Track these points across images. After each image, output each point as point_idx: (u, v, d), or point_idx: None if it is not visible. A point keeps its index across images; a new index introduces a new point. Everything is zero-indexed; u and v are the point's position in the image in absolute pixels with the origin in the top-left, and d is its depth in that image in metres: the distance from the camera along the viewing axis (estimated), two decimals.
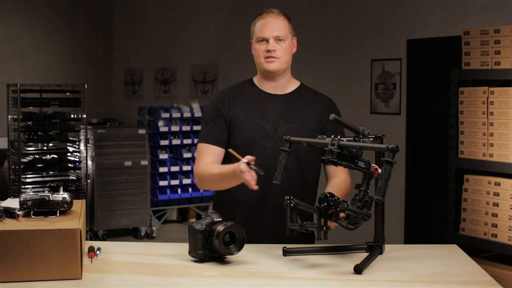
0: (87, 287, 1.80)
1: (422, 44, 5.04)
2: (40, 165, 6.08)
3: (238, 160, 2.22)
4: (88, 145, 6.21)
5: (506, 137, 3.45)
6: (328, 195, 1.94)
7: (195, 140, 6.55)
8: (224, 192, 2.44)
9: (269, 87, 2.47)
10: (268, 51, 2.38)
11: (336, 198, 1.95)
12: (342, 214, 2.01)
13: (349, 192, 2.41)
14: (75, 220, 1.95)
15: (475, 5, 4.62)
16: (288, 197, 2.02)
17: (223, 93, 2.50)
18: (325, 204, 1.94)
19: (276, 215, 2.35)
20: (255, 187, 2.11)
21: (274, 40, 2.39)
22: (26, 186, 5.92)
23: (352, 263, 1.96)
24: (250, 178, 2.11)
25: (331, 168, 2.47)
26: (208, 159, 2.41)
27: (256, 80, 2.52)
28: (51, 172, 6.26)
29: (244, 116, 2.42)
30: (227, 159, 2.43)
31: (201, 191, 6.92)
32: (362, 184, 1.99)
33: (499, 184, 3.48)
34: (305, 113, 2.46)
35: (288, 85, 2.50)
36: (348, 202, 1.97)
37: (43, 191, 2.03)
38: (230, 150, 2.30)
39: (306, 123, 2.44)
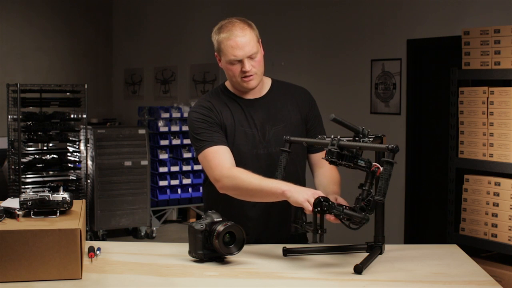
0: (87, 287, 1.80)
1: (422, 44, 5.04)
2: (40, 165, 6.08)
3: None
4: (88, 145, 6.20)
5: (506, 137, 3.45)
6: (322, 200, 1.94)
7: None
8: (219, 195, 2.33)
9: (247, 94, 2.41)
10: (245, 71, 2.29)
11: (330, 202, 1.94)
12: (331, 218, 1.99)
13: (339, 179, 2.41)
14: (75, 220, 1.94)
15: (475, 5, 4.62)
16: None
17: (210, 103, 2.38)
18: (319, 208, 1.93)
19: (282, 218, 2.35)
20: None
21: (248, 59, 2.28)
22: (26, 186, 5.92)
23: (352, 263, 1.96)
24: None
25: (316, 158, 2.45)
26: (228, 161, 2.25)
27: (230, 86, 2.43)
28: (51, 172, 6.26)
29: (233, 125, 2.35)
30: None
31: (201, 190, 6.92)
32: (365, 184, 1.99)
33: (499, 184, 3.48)
34: (287, 110, 2.42)
35: (263, 86, 2.44)
36: (344, 206, 1.97)
37: (43, 191, 2.03)
38: None
39: (290, 121, 2.41)
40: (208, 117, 2.34)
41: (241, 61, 2.29)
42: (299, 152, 2.40)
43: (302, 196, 2.02)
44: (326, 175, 2.41)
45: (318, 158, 2.44)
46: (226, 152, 2.29)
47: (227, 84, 2.45)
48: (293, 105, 2.44)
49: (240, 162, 2.30)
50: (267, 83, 2.47)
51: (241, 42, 2.27)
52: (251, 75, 2.30)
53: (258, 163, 2.33)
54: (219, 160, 2.26)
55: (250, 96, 2.41)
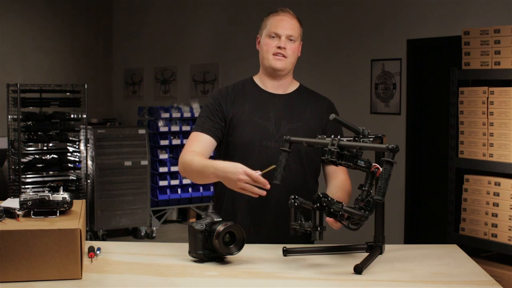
0: (87, 287, 1.80)
1: (422, 44, 5.04)
2: (40, 165, 6.08)
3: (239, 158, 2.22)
4: (88, 145, 6.20)
5: (506, 137, 3.45)
6: (322, 196, 1.93)
7: None
8: (225, 192, 2.40)
9: (271, 87, 2.47)
10: (279, 47, 2.39)
11: (329, 198, 1.94)
12: (330, 220, 2.01)
13: (351, 192, 2.42)
14: (75, 220, 1.94)
15: (475, 5, 4.62)
16: (293, 196, 2.01)
17: (226, 91, 2.48)
18: (318, 205, 1.93)
19: (279, 216, 2.35)
20: (258, 195, 2.09)
21: (286, 38, 2.40)
22: (26, 186, 5.92)
23: (352, 263, 1.96)
24: (251, 188, 2.08)
25: (331, 169, 2.46)
26: (196, 147, 2.35)
27: (258, 79, 2.51)
28: (51, 172, 6.26)
29: (245, 115, 2.41)
30: (220, 157, 2.41)
31: (201, 190, 6.93)
32: (364, 184, 1.99)
33: (499, 184, 3.48)
34: (306, 113, 2.46)
35: (289, 85, 2.51)
36: (343, 203, 1.97)
37: (43, 191, 2.03)
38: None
39: (307, 123, 2.44)
40: (217, 105, 2.43)
41: (279, 38, 2.39)
42: (310, 153, 2.41)
43: (235, 188, 2.11)
44: (338, 185, 2.42)
45: (333, 169, 2.45)
46: (203, 140, 2.38)
47: (255, 77, 2.52)
48: (313, 111, 2.47)
49: (245, 152, 2.35)
50: (295, 85, 2.53)
51: (287, 22, 2.43)
52: (282, 55, 2.40)
53: (266, 154, 2.36)
54: (189, 145, 2.38)
55: (274, 90, 2.47)
